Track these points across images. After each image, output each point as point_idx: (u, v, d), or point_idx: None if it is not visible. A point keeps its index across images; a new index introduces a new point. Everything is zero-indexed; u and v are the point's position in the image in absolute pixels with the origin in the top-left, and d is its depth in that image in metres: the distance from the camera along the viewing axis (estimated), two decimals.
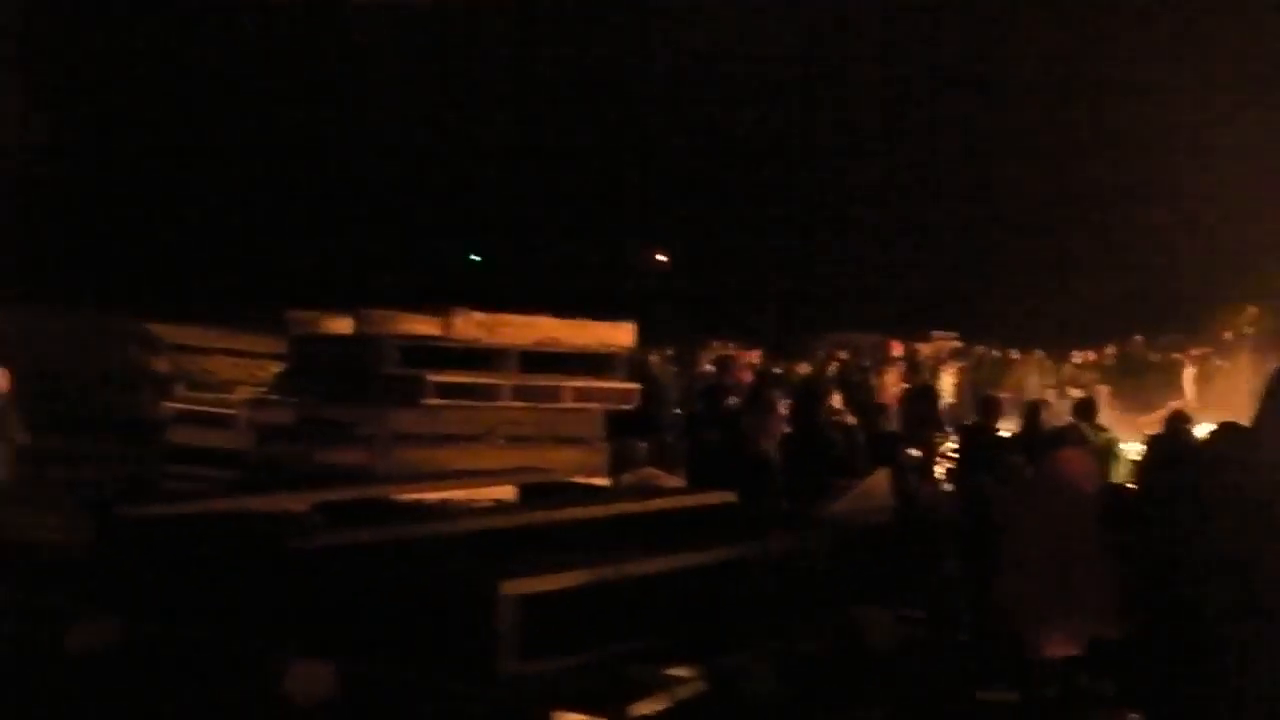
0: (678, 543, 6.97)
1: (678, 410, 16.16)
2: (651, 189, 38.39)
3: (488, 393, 11.57)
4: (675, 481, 10.76)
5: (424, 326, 11.51)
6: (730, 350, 22.67)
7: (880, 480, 10.32)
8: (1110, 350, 24.98)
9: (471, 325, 11.61)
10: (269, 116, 34.56)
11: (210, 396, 15.58)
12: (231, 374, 16.06)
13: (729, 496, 8.67)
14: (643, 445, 11.30)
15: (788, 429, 12.25)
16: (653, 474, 10.65)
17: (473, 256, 31.92)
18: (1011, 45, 37.03)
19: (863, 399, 16.60)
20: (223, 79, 34.03)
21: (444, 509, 8.18)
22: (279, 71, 35.06)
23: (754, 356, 22.55)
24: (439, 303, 11.98)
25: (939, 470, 12.81)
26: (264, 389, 15.11)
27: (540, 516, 7.57)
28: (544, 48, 38.84)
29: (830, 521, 8.72)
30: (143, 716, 6.15)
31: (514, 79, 38.79)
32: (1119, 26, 35.32)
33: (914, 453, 12.02)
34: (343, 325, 11.93)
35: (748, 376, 17.95)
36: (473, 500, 8.63)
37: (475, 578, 5.87)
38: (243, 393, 15.33)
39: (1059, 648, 8.58)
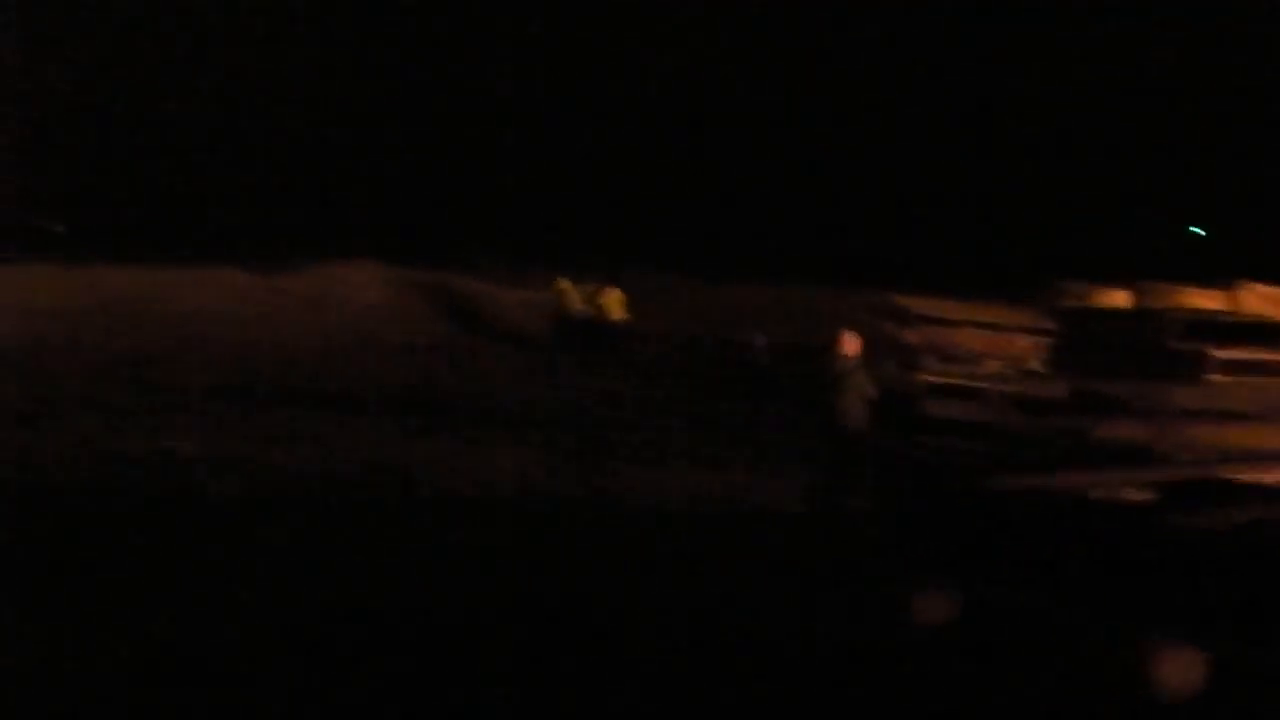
0: None
1: None
2: None
3: (1276, 369, 11.18)
4: None
5: (1206, 301, 11.29)
6: None
7: None
8: None
9: (1258, 299, 11.27)
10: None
11: (961, 369, 15.66)
12: (981, 347, 16.05)
13: None
14: None
15: None
16: None
17: (1193, 229, 30.59)
18: None
19: None
20: None
21: None
22: None
23: None
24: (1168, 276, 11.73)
25: None
26: (1016, 362, 15.18)
27: None
28: None
29: None
30: (978, 693, 6.28)
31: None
32: None
33: None
34: (1118, 299, 11.88)
35: None
36: None
37: None
38: (993, 366, 15.40)
39: None
